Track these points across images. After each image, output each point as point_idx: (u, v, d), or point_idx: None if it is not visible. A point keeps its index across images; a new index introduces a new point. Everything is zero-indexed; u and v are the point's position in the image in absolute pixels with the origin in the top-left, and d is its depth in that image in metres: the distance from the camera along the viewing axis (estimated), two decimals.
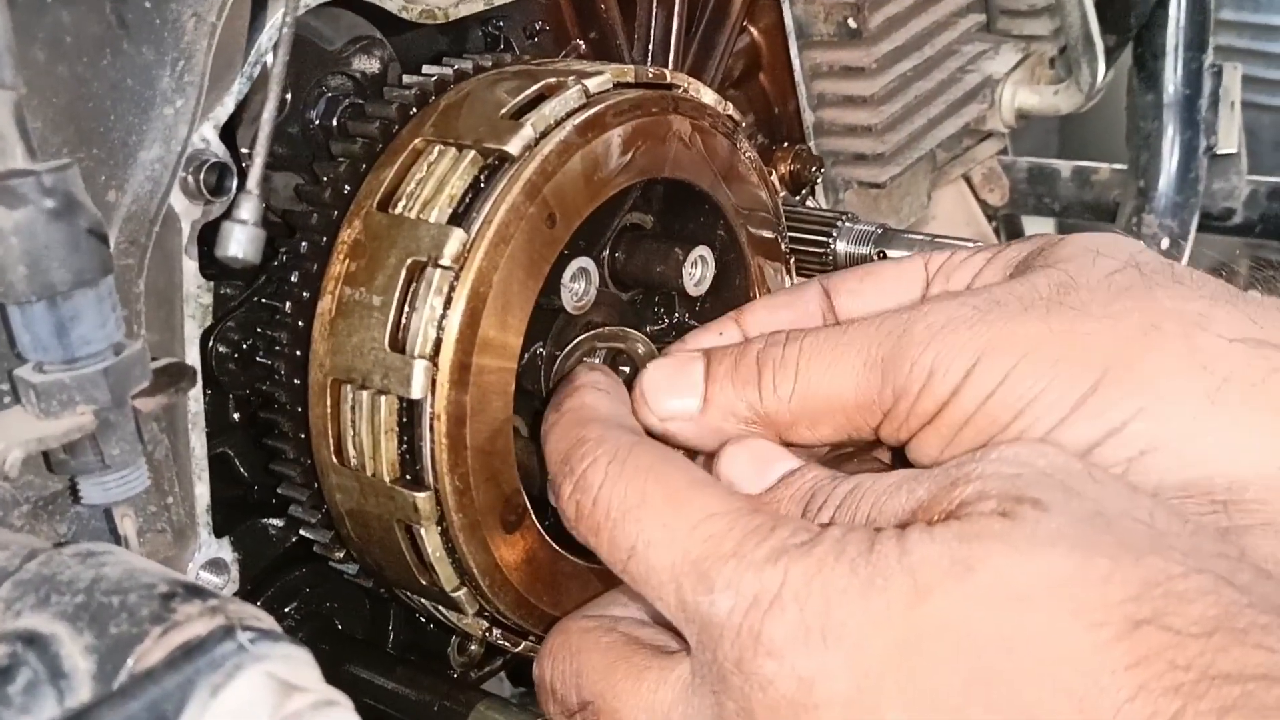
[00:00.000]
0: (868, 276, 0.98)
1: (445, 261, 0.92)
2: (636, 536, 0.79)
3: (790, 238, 1.20)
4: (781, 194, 1.27)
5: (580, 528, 0.84)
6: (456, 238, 0.93)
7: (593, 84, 1.01)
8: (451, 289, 0.92)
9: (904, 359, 0.83)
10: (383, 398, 0.93)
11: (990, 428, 0.81)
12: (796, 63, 1.42)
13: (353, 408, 0.95)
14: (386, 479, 0.94)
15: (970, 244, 1.19)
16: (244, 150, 0.97)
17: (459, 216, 0.94)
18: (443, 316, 0.92)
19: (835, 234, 1.22)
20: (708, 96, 1.11)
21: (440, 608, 1.04)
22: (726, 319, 1.00)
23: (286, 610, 1.10)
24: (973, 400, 0.81)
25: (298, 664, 0.63)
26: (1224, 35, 2.97)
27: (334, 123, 1.06)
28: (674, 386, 0.92)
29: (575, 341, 1.04)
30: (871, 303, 0.96)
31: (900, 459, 0.89)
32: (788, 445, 0.89)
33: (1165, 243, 2.00)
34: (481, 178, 0.96)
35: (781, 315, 0.98)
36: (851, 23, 1.43)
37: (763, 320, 0.98)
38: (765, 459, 0.86)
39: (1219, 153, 2.05)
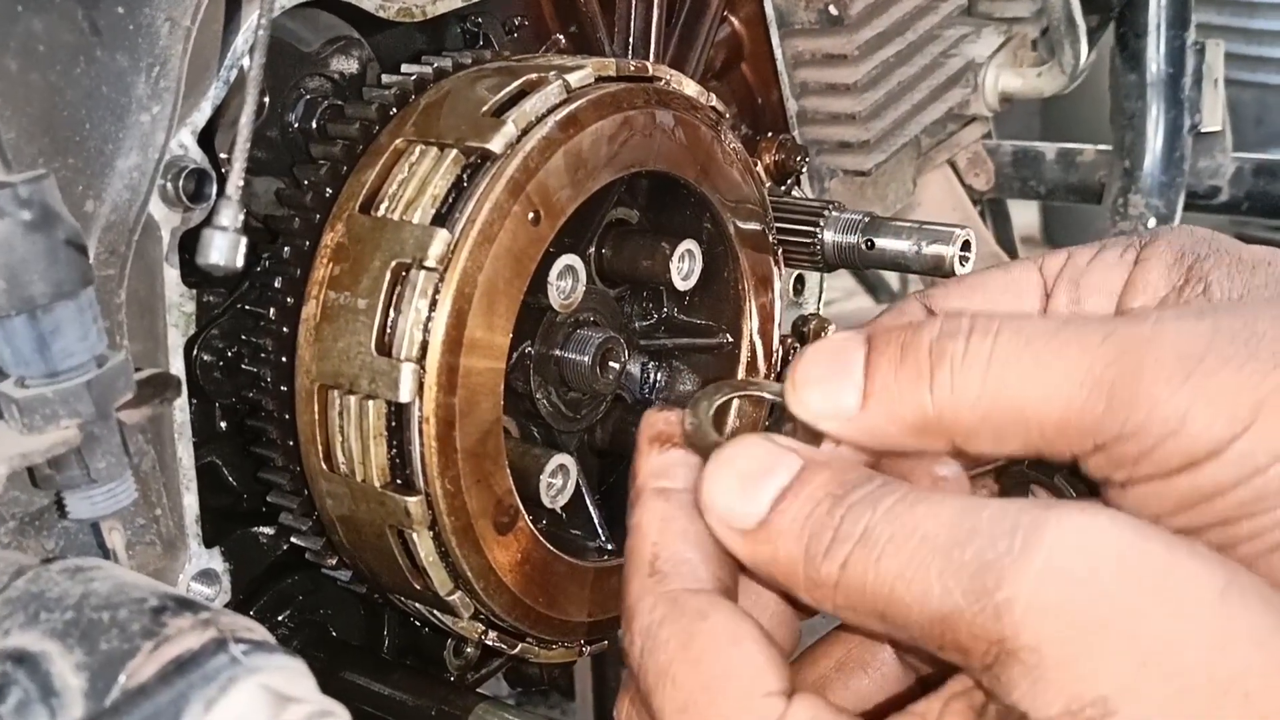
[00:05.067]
0: (976, 289, 0.85)
1: (430, 263, 0.91)
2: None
3: (777, 228, 1.20)
4: (767, 184, 1.26)
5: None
6: (440, 239, 0.92)
7: (574, 79, 1.00)
8: (436, 290, 0.91)
9: (1145, 395, 0.66)
10: (371, 402, 0.92)
11: (1260, 508, 0.66)
12: (778, 52, 1.41)
13: (341, 413, 0.94)
14: (377, 484, 0.94)
15: (958, 228, 1.18)
16: (223, 155, 0.96)
17: (442, 217, 0.94)
18: (428, 319, 0.91)
19: (822, 223, 1.21)
20: (690, 88, 1.10)
21: (435, 612, 1.03)
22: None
23: (280, 619, 1.10)
24: (1241, 470, 0.65)
25: (292, 675, 0.62)
26: (1204, 12, 2.97)
27: (313, 125, 1.05)
28: (828, 378, 0.72)
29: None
30: None
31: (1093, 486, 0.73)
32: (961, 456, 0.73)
33: (1152, 222, 2.00)
34: (464, 177, 0.95)
35: None
36: (832, 10, 1.43)
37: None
38: (753, 476, 0.70)
39: (1203, 131, 2.05)
